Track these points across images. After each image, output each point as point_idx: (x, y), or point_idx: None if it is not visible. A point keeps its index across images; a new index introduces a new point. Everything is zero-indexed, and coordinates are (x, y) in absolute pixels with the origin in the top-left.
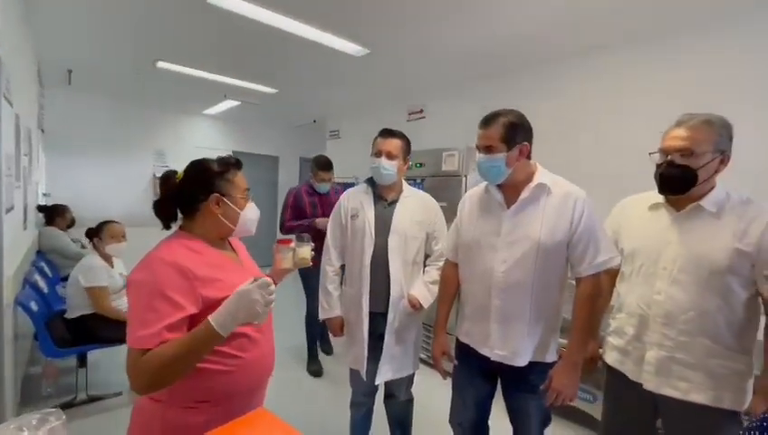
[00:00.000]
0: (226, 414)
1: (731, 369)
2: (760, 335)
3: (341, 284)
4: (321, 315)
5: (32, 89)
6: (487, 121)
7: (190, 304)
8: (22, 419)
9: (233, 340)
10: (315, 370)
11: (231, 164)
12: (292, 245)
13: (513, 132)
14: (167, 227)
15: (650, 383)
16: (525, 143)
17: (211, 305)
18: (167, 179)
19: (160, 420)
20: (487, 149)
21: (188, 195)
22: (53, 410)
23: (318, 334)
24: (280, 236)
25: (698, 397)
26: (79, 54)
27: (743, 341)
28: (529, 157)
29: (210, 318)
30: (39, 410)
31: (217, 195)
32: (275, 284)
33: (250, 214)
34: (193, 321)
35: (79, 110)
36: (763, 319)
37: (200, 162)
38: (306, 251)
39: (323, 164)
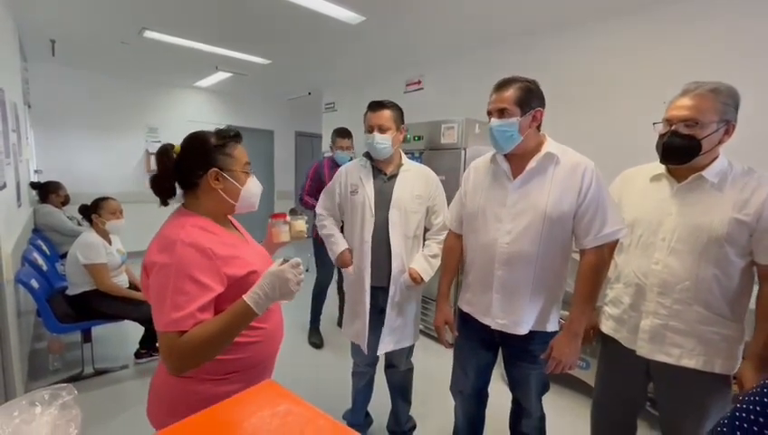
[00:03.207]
0: (251, 381)
1: (723, 335)
2: (753, 303)
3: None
4: (333, 257)
5: (14, 61)
6: (502, 85)
7: (216, 284)
8: (34, 394)
9: None
10: (316, 342)
11: (230, 137)
12: (288, 218)
13: (528, 96)
14: (164, 203)
15: (644, 350)
16: (539, 109)
17: (233, 283)
18: (164, 153)
19: (192, 396)
20: (501, 112)
21: (186, 169)
22: (65, 384)
23: (321, 308)
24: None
25: (690, 362)
26: (61, 22)
27: (735, 308)
28: (539, 127)
29: (246, 298)
30: (51, 386)
31: (216, 169)
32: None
33: (253, 189)
34: (217, 300)
35: (65, 84)
36: (756, 287)
37: (198, 135)
38: (301, 224)
39: (340, 131)
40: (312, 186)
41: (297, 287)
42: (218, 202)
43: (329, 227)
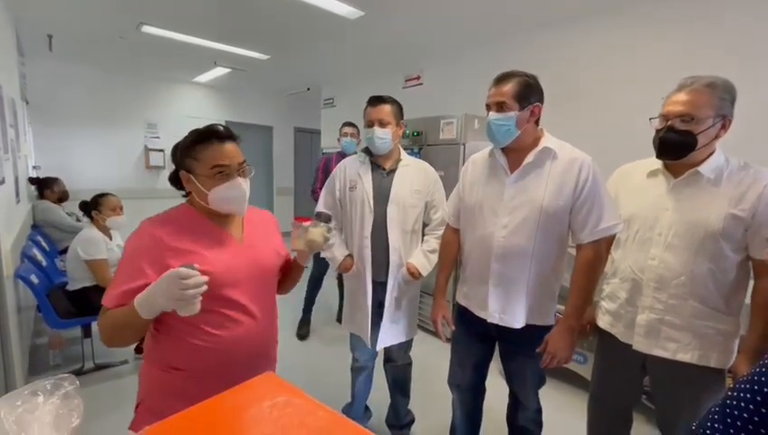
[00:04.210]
0: (201, 387)
1: (718, 330)
2: (748, 298)
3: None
4: (334, 266)
5: (11, 56)
6: (501, 79)
7: (154, 273)
8: (36, 384)
9: (209, 317)
10: (302, 334)
11: (210, 136)
12: (307, 224)
13: (527, 91)
14: (186, 195)
15: (640, 344)
16: (538, 104)
17: None
18: (172, 150)
19: (145, 378)
20: (499, 106)
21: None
22: (67, 375)
23: (315, 298)
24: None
25: (685, 356)
26: (58, 17)
27: (731, 303)
28: (537, 122)
29: (136, 296)
30: (52, 376)
31: (185, 173)
32: (300, 265)
33: (221, 194)
34: None
35: (63, 79)
36: (751, 282)
37: (188, 133)
38: (317, 233)
39: (345, 123)
40: (323, 177)
41: (181, 303)
42: (199, 201)
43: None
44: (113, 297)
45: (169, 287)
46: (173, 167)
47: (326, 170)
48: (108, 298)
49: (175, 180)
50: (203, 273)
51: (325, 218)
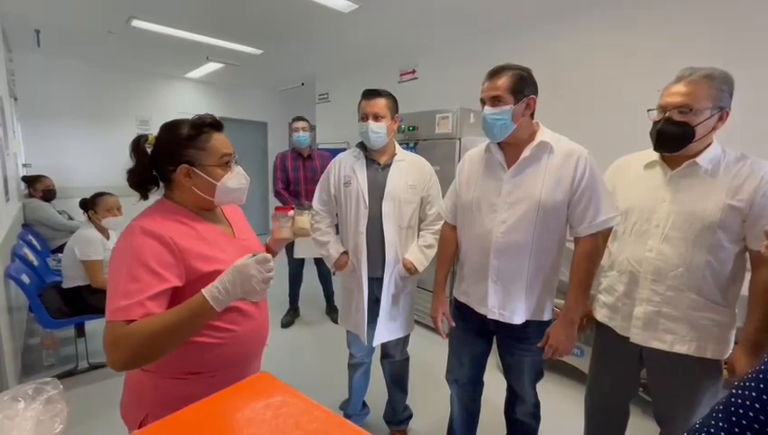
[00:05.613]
0: (218, 386)
1: (714, 321)
2: (745, 290)
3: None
4: (330, 263)
5: None
6: (495, 73)
7: (173, 276)
8: (18, 389)
9: (224, 313)
10: (283, 321)
11: (204, 126)
12: (291, 213)
13: (521, 84)
14: (144, 197)
15: (637, 337)
16: (533, 96)
17: (196, 280)
18: (136, 146)
19: (153, 391)
20: (494, 100)
21: (159, 164)
22: (50, 379)
23: (298, 293)
24: (282, 203)
25: (682, 348)
26: (45, 11)
27: (728, 294)
28: (532, 115)
29: (204, 291)
30: (35, 380)
31: (185, 166)
32: (273, 253)
33: (231, 183)
34: (175, 295)
35: (52, 75)
36: (748, 274)
37: (171, 126)
38: (305, 220)
39: (293, 118)
40: (281, 175)
41: (263, 286)
42: (192, 197)
43: (323, 232)
44: (137, 305)
45: (260, 271)
46: (131, 164)
47: (284, 169)
48: (128, 309)
49: (144, 180)
50: (220, 271)
51: (308, 207)
